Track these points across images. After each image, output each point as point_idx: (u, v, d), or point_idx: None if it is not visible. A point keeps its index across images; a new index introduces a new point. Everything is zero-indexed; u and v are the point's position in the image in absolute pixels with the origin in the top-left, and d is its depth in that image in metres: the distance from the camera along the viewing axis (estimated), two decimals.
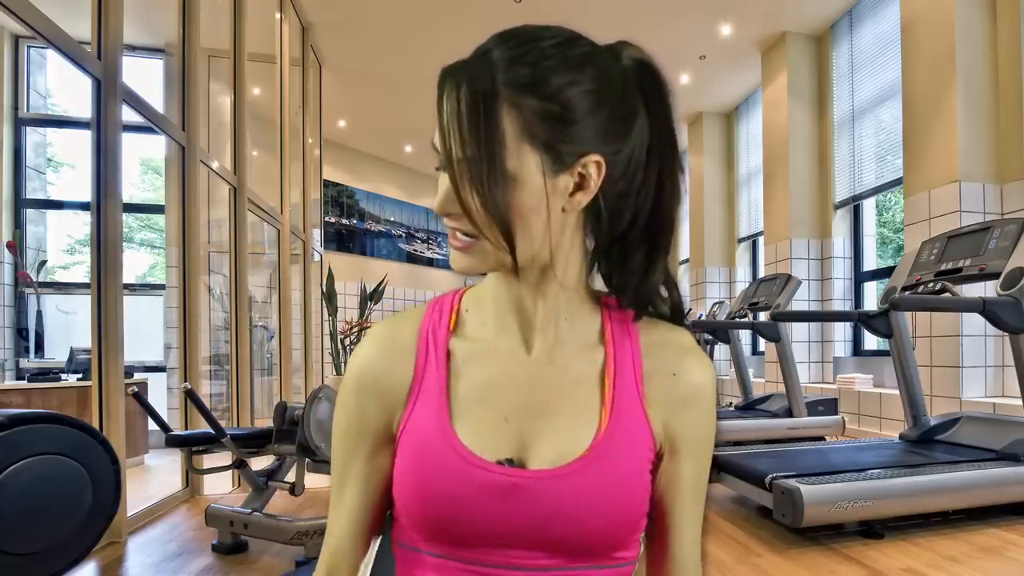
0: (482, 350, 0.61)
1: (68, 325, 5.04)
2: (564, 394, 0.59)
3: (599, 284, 0.65)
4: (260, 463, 2.72)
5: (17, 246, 4.88)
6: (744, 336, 6.18)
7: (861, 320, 3.31)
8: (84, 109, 2.73)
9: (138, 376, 4.71)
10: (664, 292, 0.63)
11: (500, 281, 0.61)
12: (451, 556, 0.56)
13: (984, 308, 2.65)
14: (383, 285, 7.44)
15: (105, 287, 2.62)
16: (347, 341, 6.77)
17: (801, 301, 5.78)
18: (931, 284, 3.02)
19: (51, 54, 5.11)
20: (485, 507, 0.54)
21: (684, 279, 9.29)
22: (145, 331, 5.11)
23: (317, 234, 6.96)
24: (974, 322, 3.87)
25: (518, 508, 0.54)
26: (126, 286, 3.03)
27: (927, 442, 3.22)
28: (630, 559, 0.60)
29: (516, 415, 0.58)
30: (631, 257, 0.61)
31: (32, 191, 5.22)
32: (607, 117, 0.56)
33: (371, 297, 7.30)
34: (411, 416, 0.59)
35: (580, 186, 0.56)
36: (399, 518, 0.60)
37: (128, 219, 7.64)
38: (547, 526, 0.54)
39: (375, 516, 0.64)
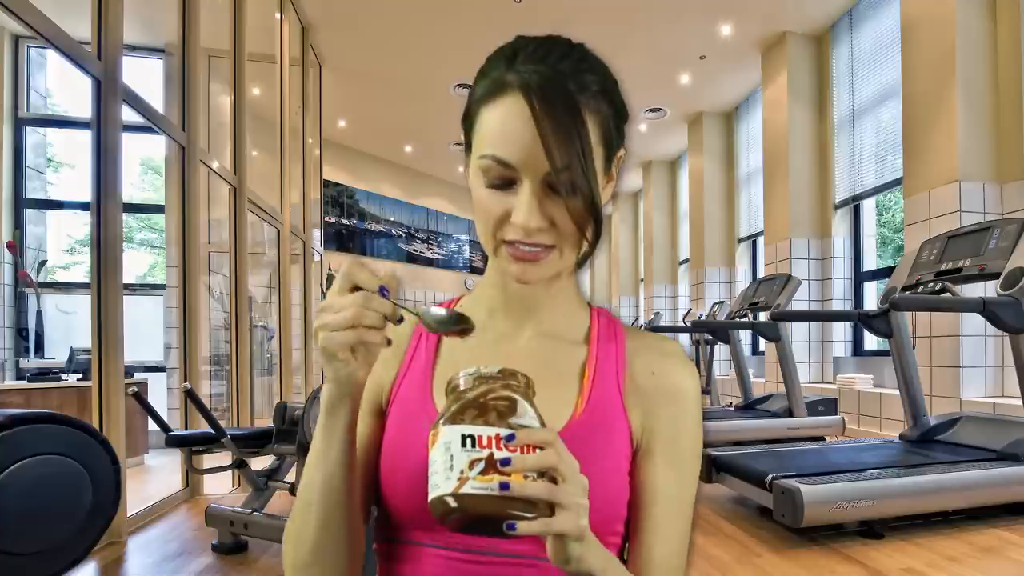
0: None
1: (68, 325, 5.04)
2: (543, 383, 0.59)
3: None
4: (260, 463, 2.72)
5: (17, 246, 4.88)
6: (744, 336, 6.18)
7: (861, 320, 3.31)
8: (84, 109, 2.72)
9: (138, 376, 4.72)
10: None
11: (498, 279, 0.64)
12: (430, 543, 0.56)
13: (984, 308, 2.65)
14: None
15: (105, 287, 2.62)
16: None
17: (801, 301, 5.78)
18: (931, 284, 3.01)
19: (51, 54, 5.11)
20: None
21: (684, 279, 9.30)
22: (145, 331, 5.10)
23: (317, 234, 6.95)
24: (974, 322, 3.87)
25: None
26: (126, 286, 3.03)
27: (927, 442, 3.22)
28: None
29: None
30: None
31: (32, 191, 5.22)
32: (624, 118, 0.60)
33: None
34: (399, 391, 0.62)
35: (609, 179, 0.60)
36: (381, 506, 0.60)
37: (128, 219, 7.63)
38: None
39: (366, 490, 0.61)
